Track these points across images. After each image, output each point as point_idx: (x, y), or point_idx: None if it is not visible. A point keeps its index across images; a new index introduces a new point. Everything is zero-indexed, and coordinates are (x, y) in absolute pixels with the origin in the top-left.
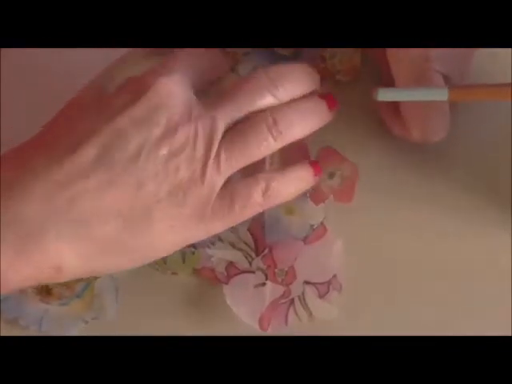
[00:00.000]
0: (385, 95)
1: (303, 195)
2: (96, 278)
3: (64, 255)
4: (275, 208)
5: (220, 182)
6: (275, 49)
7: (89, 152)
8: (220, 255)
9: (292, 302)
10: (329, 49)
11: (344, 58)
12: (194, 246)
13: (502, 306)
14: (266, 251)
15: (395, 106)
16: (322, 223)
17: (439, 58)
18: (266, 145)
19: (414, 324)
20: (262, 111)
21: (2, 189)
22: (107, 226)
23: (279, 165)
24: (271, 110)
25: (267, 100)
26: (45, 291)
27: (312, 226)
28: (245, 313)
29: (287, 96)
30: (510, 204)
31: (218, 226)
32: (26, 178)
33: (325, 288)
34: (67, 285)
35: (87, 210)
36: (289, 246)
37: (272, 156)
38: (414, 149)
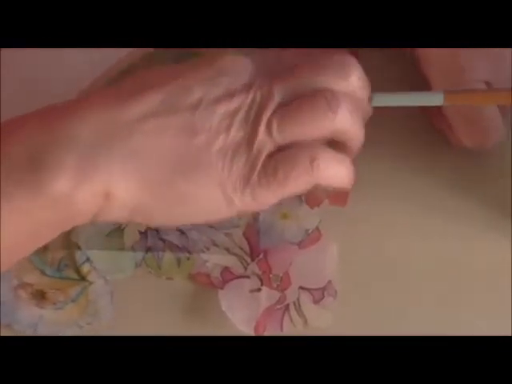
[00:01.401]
0: (379, 100)
1: (298, 199)
2: (91, 283)
3: (114, 183)
4: (270, 212)
5: (269, 147)
6: None
7: (153, 97)
8: (215, 260)
9: (287, 307)
10: None
11: None
12: (188, 251)
13: (501, 306)
14: (261, 256)
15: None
16: (316, 228)
17: (475, 66)
18: (323, 120)
19: (411, 328)
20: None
21: (65, 112)
22: (159, 165)
23: None
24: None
25: (334, 83)
26: (39, 295)
27: (307, 230)
28: (240, 319)
29: (357, 86)
30: (510, 209)
31: (264, 195)
32: (87, 109)
33: (320, 294)
34: (61, 289)
35: (141, 146)
36: (283, 250)
37: None
38: (409, 153)
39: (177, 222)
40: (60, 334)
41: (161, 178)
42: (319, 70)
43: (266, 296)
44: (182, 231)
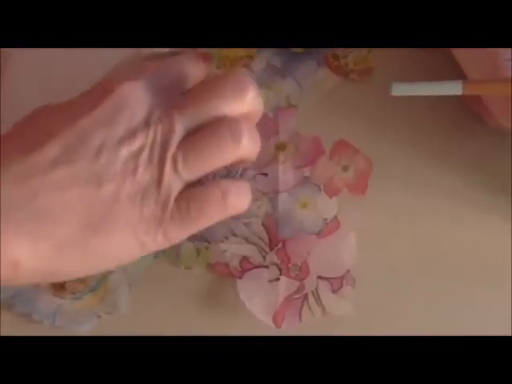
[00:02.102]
0: (398, 90)
1: (317, 188)
2: (110, 272)
3: (22, 251)
4: (289, 202)
5: (178, 185)
6: None
7: (51, 149)
8: (234, 250)
9: (306, 297)
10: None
11: (358, 58)
12: (207, 240)
13: (502, 306)
14: (280, 245)
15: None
16: (335, 217)
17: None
18: (228, 152)
19: (425, 318)
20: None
21: None
22: (67, 224)
23: (292, 163)
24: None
25: (233, 106)
26: (58, 285)
27: (325, 219)
28: (258, 308)
29: (254, 104)
30: None
31: (177, 232)
32: None
33: (338, 283)
34: (80, 279)
35: (47, 206)
36: (302, 240)
37: (285, 150)
38: (426, 142)
39: (98, 271)
40: (78, 324)
41: (70, 236)
42: (216, 94)
43: (285, 285)
44: None
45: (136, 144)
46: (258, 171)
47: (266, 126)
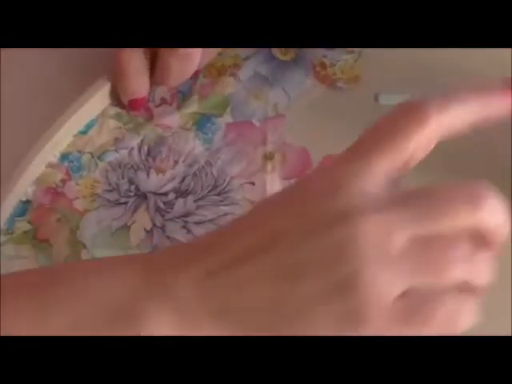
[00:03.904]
0: (386, 100)
1: None
2: None
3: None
4: None
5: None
6: (275, 54)
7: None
8: None
9: None
10: (329, 56)
11: (345, 67)
12: None
13: (501, 306)
14: None
15: None
16: None
17: None
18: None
19: None
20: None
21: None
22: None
23: (280, 173)
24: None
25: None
26: None
27: None
28: None
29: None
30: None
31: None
32: (180, 264)
33: None
34: None
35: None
36: None
37: (273, 159)
38: None
39: None
40: None
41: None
42: (444, 211)
43: None
44: (188, 229)
45: None
46: (245, 180)
47: (253, 135)
